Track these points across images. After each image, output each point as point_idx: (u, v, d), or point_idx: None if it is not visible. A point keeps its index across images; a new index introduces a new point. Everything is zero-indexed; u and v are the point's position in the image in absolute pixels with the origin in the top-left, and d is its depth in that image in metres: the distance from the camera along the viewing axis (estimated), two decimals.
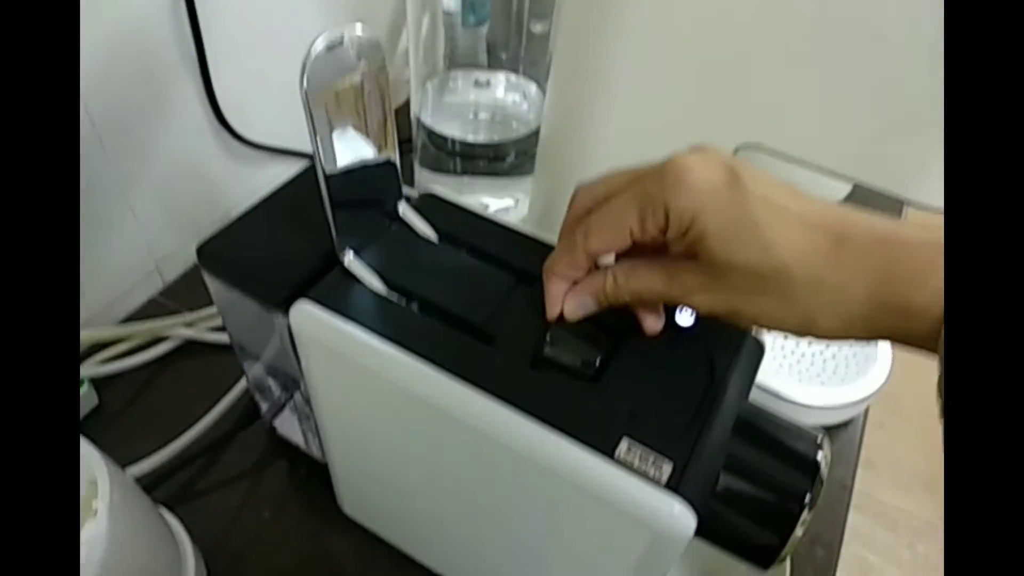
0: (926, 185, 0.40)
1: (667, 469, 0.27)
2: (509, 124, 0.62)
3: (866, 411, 0.58)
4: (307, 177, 0.39)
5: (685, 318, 0.33)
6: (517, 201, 0.65)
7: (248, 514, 0.48)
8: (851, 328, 0.26)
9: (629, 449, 0.28)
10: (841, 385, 0.54)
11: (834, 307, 0.26)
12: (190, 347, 0.57)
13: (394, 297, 0.33)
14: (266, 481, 0.50)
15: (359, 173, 0.32)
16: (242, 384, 0.53)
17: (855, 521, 1.41)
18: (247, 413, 0.52)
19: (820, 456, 0.29)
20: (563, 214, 0.33)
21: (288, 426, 0.48)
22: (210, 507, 0.48)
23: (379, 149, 0.32)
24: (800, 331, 0.27)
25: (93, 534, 0.31)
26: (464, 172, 0.63)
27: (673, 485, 0.27)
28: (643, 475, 0.27)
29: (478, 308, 0.32)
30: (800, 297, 0.26)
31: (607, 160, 0.49)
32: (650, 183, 0.28)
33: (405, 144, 0.68)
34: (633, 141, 0.46)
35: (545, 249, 0.36)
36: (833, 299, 0.26)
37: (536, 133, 0.60)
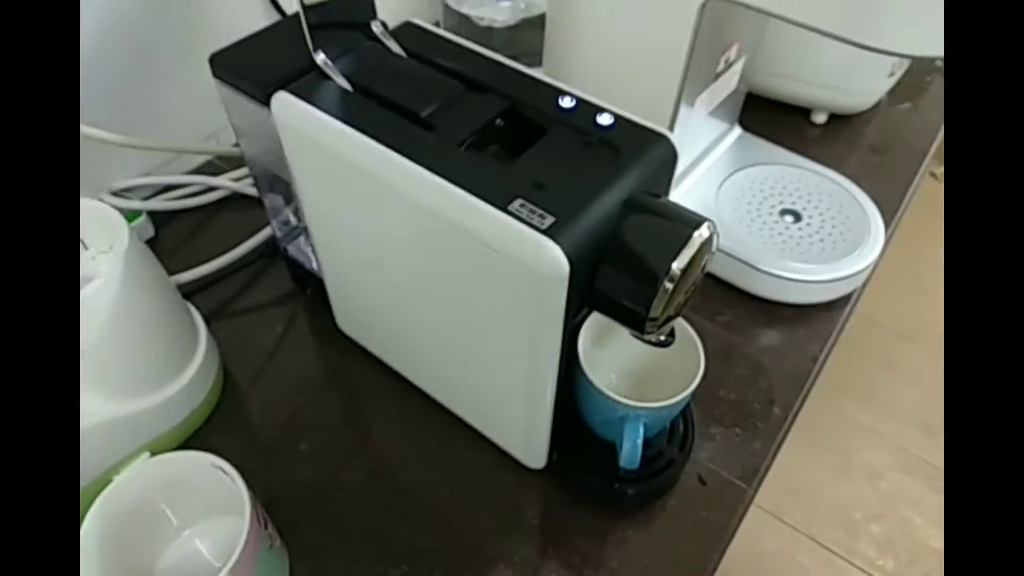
0: (884, 30, 0.41)
1: (549, 220, 0.31)
2: (531, 9, 0.65)
3: (856, 298, 0.59)
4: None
5: (605, 118, 0.36)
6: None
7: (263, 329, 0.56)
8: None
9: (522, 206, 0.32)
10: (824, 264, 0.55)
11: None
12: (236, 199, 0.66)
13: (358, 94, 0.38)
14: (282, 304, 0.58)
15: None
16: (269, 229, 0.61)
17: (903, 483, 1.37)
18: (272, 248, 0.60)
19: (696, 233, 0.32)
20: None
21: (300, 251, 0.55)
22: (234, 322, 0.57)
23: None
24: None
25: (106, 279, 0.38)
26: None
27: (551, 233, 0.31)
28: (529, 225, 0.31)
29: (425, 104, 0.37)
30: None
31: (602, 33, 0.52)
32: None
33: None
34: (617, 9, 0.50)
35: (505, 70, 0.41)
36: None
37: None
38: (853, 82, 0.70)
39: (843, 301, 0.59)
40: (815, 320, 0.58)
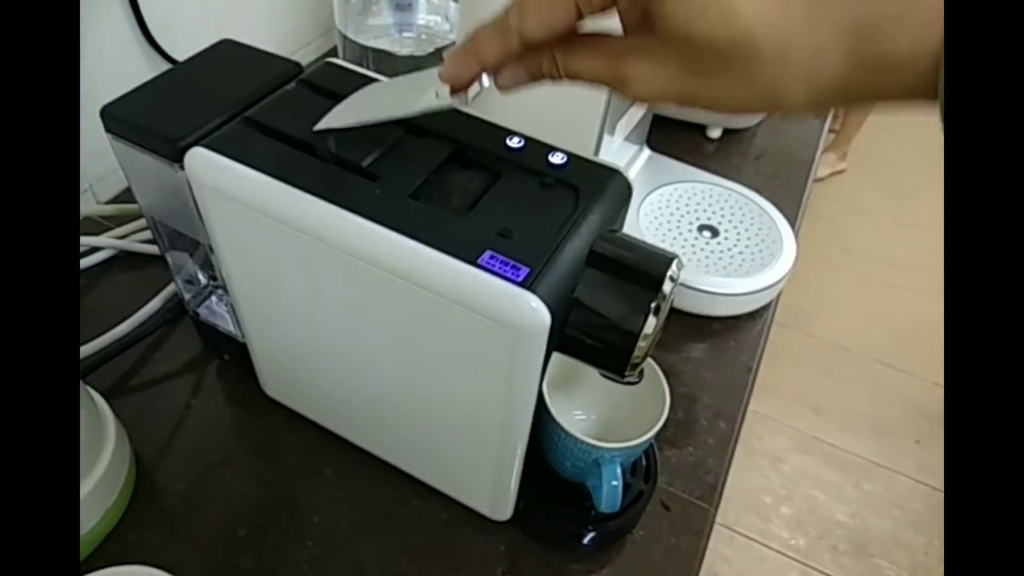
0: None
1: (524, 272, 0.30)
2: (432, 42, 0.64)
3: (775, 304, 0.61)
4: (215, 50, 0.41)
5: (557, 157, 0.35)
6: None
7: (176, 404, 0.50)
8: (824, 98, 0.23)
9: (492, 257, 0.30)
10: (747, 276, 0.57)
11: (806, 76, 0.22)
12: (123, 259, 0.59)
13: (287, 145, 0.35)
14: (192, 371, 0.52)
15: None
16: (172, 287, 0.55)
17: (803, 464, 1.46)
18: (175, 310, 0.54)
19: (668, 272, 0.32)
20: None
21: (212, 313, 0.49)
22: (138, 397, 0.50)
23: None
24: (765, 109, 0.24)
25: None
26: None
27: (529, 284, 0.29)
28: (503, 278, 0.30)
29: (365, 152, 0.35)
30: (767, 71, 0.22)
31: None
32: None
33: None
34: None
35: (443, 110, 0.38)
36: (805, 68, 0.22)
37: None
38: None
39: (764, 308, 0.61)
40: (741, 330, 0.60)
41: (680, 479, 0.49)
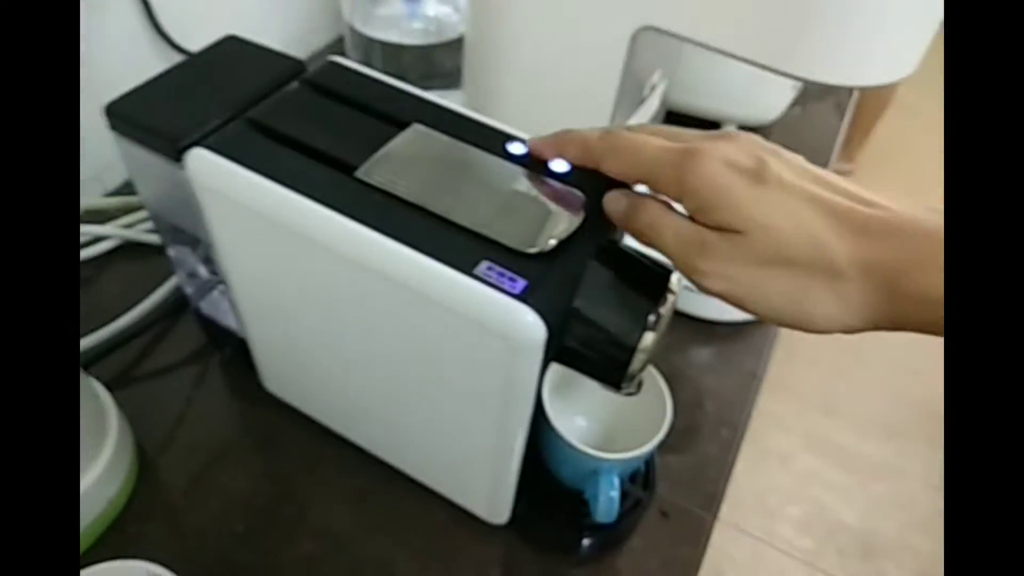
0: (820, 63, 0.41)
1: (521, 284, 0.29)
2: (442, 33, 0.63)
3: None
4: (220, 47, 0.41)
5: (560, 165, 0.34)
6: None
7: (178, 396, 0.50)
8: (854, 319, 0.27)
9: (490, 268, 0.30)
10: None
11: (846, 297, 0.26)
12: (129, 248, 0.59)
13: (289, 148, 0.35)
14: (195, 364, 0.52)
15: None
16: (175, 280, 0.55)
17: (812, 464, 1.45)
18: (178, 302, 0.54)
19: (668, 285, 0.31)
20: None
21: (214, 308, 0.50)
22: (140, 389, 0.51)
23: None
24: (799, 322, 0.28)
25: None
26: None
27: (525, 297, 0.29)
28: (500, 290, 0.29)
29: (365, 156, 0.34)
30: (817, 284, 0.26)
31: (528, 58, 0.50)
32: (672, 165, 0.28)
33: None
34: (545, 36, 0.48)
35: (447, 114, 0.38)
36: (848, 289, 0.26)
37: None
38: (762, 96, 0.72)
39: None
40: (748, 335, 0.59)
41: (680, 487, 0.49)
